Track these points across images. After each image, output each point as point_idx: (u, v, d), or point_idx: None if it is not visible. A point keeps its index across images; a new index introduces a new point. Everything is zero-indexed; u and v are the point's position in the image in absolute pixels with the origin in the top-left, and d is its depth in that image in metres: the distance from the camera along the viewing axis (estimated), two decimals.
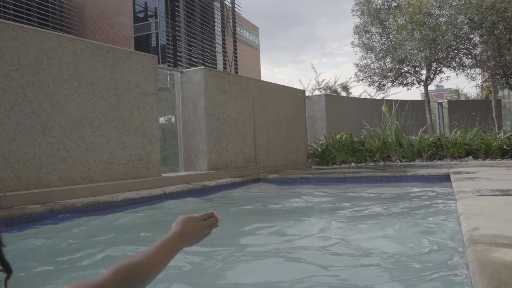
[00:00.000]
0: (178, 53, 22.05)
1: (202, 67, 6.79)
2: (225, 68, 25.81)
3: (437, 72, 14.34)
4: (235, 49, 26.57)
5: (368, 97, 16.00)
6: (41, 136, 4.31)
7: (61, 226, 3.45)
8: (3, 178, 3.95)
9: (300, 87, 14.74)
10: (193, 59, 23.00)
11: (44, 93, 4.36)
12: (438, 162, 8.46)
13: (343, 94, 16.84)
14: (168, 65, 18.91)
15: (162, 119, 7.34)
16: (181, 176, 5.89)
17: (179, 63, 21.83)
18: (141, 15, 23.13)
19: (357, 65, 15.44)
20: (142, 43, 22.54)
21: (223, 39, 26.27)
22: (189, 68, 7.65)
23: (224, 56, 26.06)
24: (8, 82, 4.05)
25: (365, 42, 14.93)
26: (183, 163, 6.79)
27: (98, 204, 4.09)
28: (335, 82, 16.96)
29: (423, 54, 11.81)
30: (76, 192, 4.32)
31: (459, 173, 5.34)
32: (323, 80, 19.70)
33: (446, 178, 5.46)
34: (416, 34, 11.82)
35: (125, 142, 5.25)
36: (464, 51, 13.29)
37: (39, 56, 4.34)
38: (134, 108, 5.42)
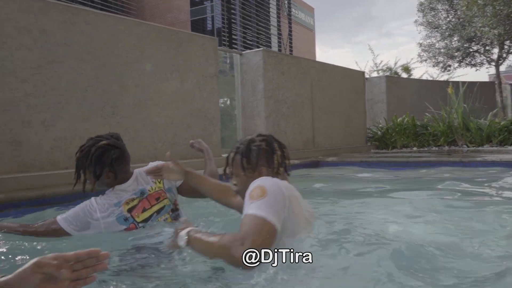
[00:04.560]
0: (234, 36, 22.18)
1: (262, 48, 6.76)
2: (279, 50, 25.61)
3: (511, 51, 13.24)
4: (290, 30, 26.22)
5: (430, 79, 15.16)
6: (111, 116, 4.53)
7: None
8: None
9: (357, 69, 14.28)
10: (248, 41, 23.03)
11: (113, 75, 4.56)
12: (510, 147, 7.88)
13: (404, 75, 16.09)
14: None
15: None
16: None
17: (234, 46, 21.97)
18: None
19: (420, 44, 14.67)
20: (198, 27, 22.89)
21: (278, 21, 26.00)
22: (244, 50, 7.67)
23: (279, 38, 25.84)
24: (82, 65, 4.27)
25: (430, 20, 14.09)
26: None
27: None
28: (395, 63, 16.27)
29: (495, 31, 10.93)
30: None
31: None
32: (381, 61, 18.94)
33: None
34: (488, 10, 10.94)
35: (188, 123, 5.38)
36: None
37: (108, 39, 4.53)
38: (196, 90, 5.52)
